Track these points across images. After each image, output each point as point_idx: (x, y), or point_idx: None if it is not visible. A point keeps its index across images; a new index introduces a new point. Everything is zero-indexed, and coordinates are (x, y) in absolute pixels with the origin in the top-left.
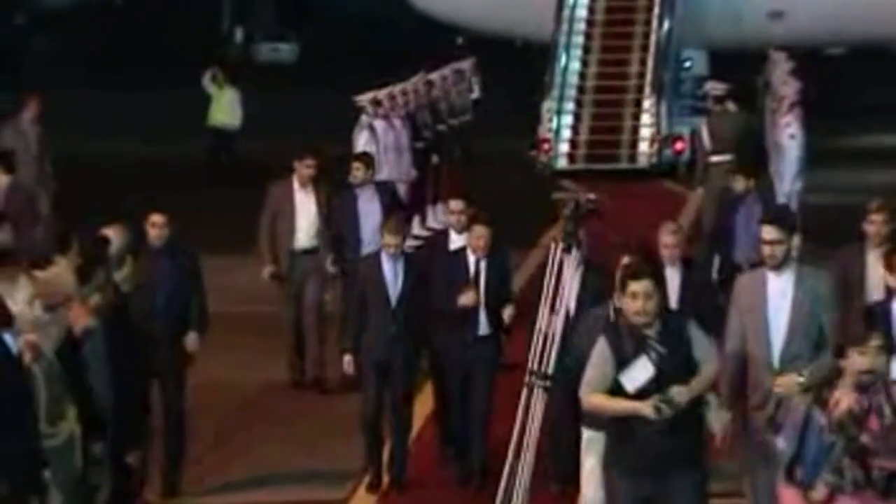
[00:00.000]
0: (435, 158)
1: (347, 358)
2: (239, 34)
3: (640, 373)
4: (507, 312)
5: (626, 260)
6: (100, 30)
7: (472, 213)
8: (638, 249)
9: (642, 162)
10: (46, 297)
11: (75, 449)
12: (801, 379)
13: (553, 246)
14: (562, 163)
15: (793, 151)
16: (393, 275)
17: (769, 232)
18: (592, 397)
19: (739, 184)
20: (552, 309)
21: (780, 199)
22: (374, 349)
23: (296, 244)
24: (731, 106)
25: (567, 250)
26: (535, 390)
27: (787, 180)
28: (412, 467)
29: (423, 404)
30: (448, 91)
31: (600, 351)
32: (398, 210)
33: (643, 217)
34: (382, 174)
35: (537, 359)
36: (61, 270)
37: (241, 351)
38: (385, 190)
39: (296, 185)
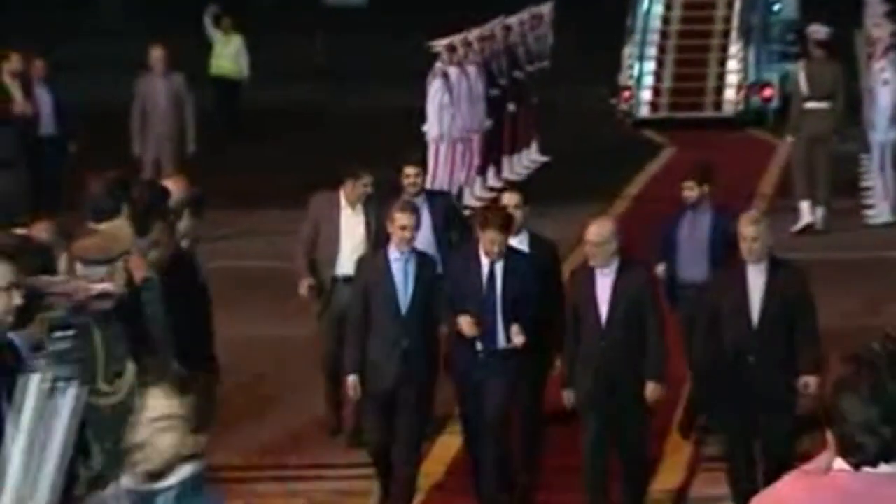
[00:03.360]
0: (511, 107)
1: (352, 379)
2: None
3: None
4: (514, 331)
5: None
6: None
7: (484, 210)
8: None
9: (728, 110)
10: (104, 251)
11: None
12: None
13: None
14: (644, 111)
15: (886, 97)
16: (403, 276)
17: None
18: None
19: (690, 191)
20: None
21: (874, 149)
22: (382, 368)
23: (337, 270)
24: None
25: None
26: None
27: (881, 128)
28: None
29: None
30: (525, 36)
31: None
32: (456, 225)
33: (727, 171)
34: (456, 124)
35: None
36: (121, 223)
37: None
38: (440, 201)
39: (342, 201)
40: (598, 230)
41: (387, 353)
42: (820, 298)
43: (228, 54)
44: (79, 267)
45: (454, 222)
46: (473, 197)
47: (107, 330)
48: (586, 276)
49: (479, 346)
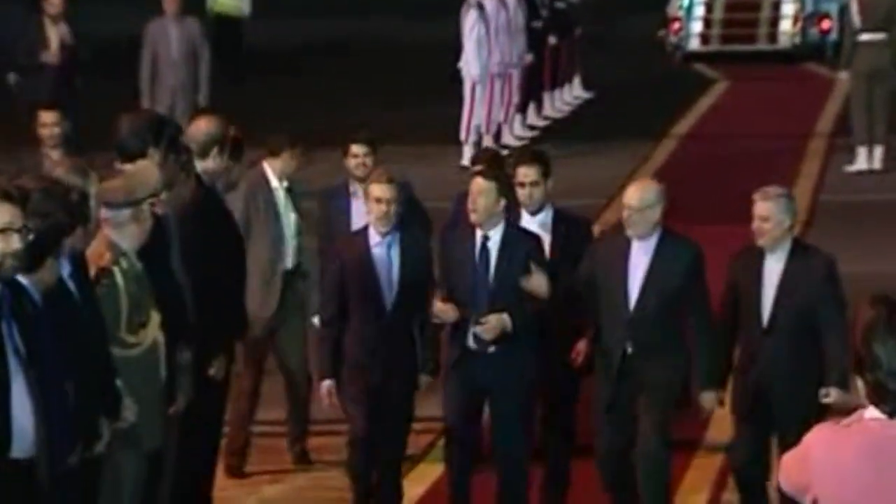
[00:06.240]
0: (552, 39)
1: (327, 384)
2: None
3: None
4: (491, 323)
5: None
6: None
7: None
8: None
9: (784, 43)
10: (128, 193)
11: (159, 359)
12: None
13: None
14: (694, 44)
15: None
16: (386, 264)
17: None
18: None
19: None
20: None
21: None
22: (364, 367)
23: (290, 261)
24: None
25: None
26: None
27: None
28: None
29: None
30: None
31: None
32: (416, 217)
33: (782, 107)
34: (494, 59)
35: None
36: (147, 164)
37: None
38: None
39: (273, 180)
40: (641, 192)
41: (370, 348)
42: (877, 241)
43: None
44: (103, 210)
45: (413, 215)
46: (513, 136)
47: (131, 278)
48: (617, 247)
49: (470, 341)
